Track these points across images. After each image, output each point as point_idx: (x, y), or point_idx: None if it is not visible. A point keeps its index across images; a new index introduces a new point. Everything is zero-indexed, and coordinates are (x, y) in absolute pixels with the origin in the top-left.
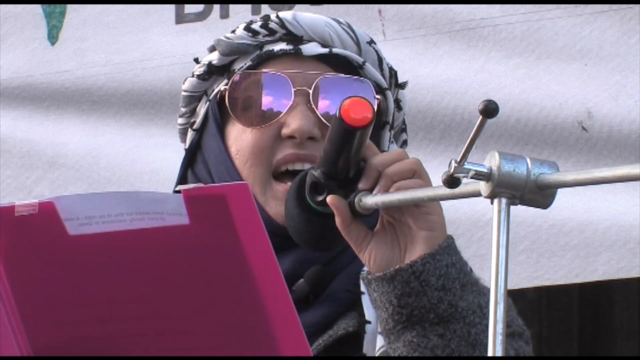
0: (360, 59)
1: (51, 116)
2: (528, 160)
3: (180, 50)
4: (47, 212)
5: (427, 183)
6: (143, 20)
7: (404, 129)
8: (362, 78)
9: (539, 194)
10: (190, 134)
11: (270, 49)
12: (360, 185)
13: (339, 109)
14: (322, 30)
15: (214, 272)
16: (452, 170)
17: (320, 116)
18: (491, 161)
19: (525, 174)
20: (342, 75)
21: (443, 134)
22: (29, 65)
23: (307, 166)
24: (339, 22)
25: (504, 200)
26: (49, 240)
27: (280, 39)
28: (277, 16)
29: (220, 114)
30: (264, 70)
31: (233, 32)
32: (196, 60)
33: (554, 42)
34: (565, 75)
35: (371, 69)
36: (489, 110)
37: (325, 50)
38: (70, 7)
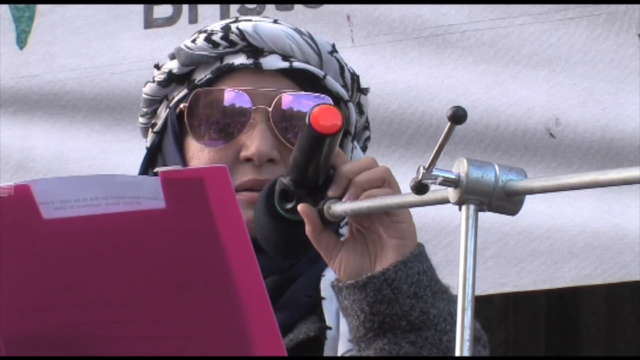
0: (321, 73)
1: (19, 120)
2: (496, 167)
3: (149, 55)
4: (22, 195)
5: (397, 191)
6: (112, 25)
7: (366, 127)
8: (321, 94)
9: (507, 201)
10: (151, 135)
11: (231, 62)
12: (330, 193)
13: (308, 116)
14: (283, 42)
15: (189, 256)
16: (420, 176)
17: (279, 136)
18: (459, 167)
19: (493, 180)
20: (303, 92)
21: (411, 140)
22: None
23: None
24: (300, 33)
25: (472, 207)
26: (24, 224)
27: (241, 51)
28: (238, 27)
29: (179, 127)
30: (223, 87)
31: (193, 41)
32: (157, 67)
33: (521, 49)
34: (533, 82)
35: (332, 81)
36: (458, 116)
37: (286, 64)
38: (39, 12)
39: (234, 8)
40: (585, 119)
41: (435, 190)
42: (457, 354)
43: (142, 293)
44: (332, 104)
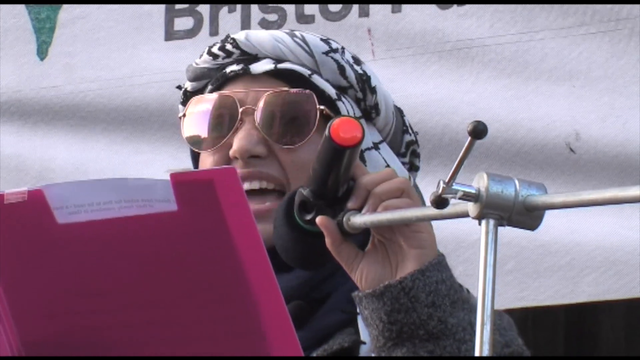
0: (306, 71)
1: (39, 132)
2: (516, 182)
3: (170, 66)
4: (36, 201)
5: (416, 202)
6: (133, 37)
7: (405, 130)
8: (304, 90)
9: (527, 216)
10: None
11: (225, 71)
12: (349, 205)
13: (329, 128)
14: (273, 46)
15: (202, 258)
16: (440, 190)
17: (262, 134)
18: (479, 182)
19: (513, 195)
20: (287, 89)
21: (431, 154)
22: (18, 80)
23: (255, 184)
24: (293, 36)
25: (491, 222)
26: (38, 229)
27: (237, 60)
28: (232, 37)
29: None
30: (211, 94)
31: (200, 56)
32: (179, 87)
33: (542, 63)
34: (553, 97)
35: (319, 80)
36: (478, 131)
37: (271, 66)
38: (60, 23)
39: (254, 21)
40: (605, 133)
41: (455, 204)
42: None
43: (158, 296)
44: (312, 101)
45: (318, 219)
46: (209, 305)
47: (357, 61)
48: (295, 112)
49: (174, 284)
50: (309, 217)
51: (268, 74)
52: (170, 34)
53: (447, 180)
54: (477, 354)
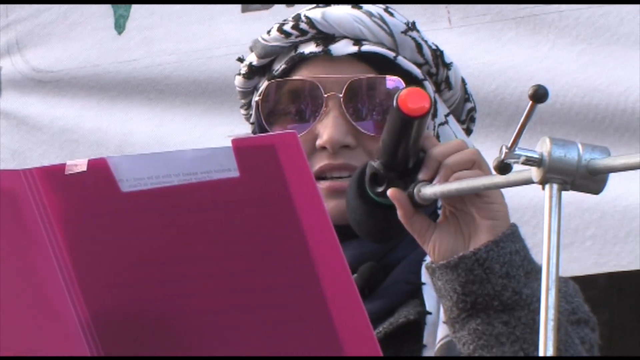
0: (391, 54)
1: (119, 105)
2: (579, 146)
3: (247, 38)
4: (98, 170)
5: (487, 173)
6: (210, 9)
7: (467, 99)
8: (392, 77)
9: (590, 179)
10: (250, 127)
11: (302, 51)
12: (420, 176)
13: (396, 99)
14: (352, 27)
15: (265, 224)
16: (502, 156)
17: (351, 121)
18: (542, 147)
19: (576, 159)
20: (372, 75)
21: (509, 121)
22: (97, 54)
23: (344, 174)
24: (371, 15)
25: (555, 186)
26: (102, 199)
27: (313, 39)
28: (306, 16)
29: (261, 120)
30: (297, 76)
31: (269, 32)
32: (240, 60)
33: (619, 28)
34: (630, 61)
35: (404, 61)
36: (539, 95)
37: (355, 49)
38: None
39: None
40: None
41: (522, 171)
42: (541, 333)
43: (222, 264)
44: (401, 86)
45: (389, 192)
46: (273, 272)
47: (413, 26)
48: (383, 99)
49: (237, 251)
50: (380, 189)
51: (349, 55)
52: (247, 6)
53: (509, 146)
54: (542, 319)
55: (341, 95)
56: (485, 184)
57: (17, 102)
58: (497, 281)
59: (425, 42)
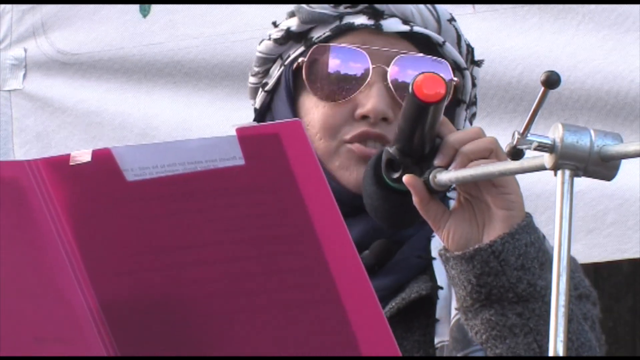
0: (440, 38)
1: (143, 88)
2: (592, 132)
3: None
4: (103, 160)
5: None
6: None
7: (474, 102)
8: (440, 59)
9: (603, 166)
10: (261, 95)
11: (351, 21)
12: (436, 162)
13: (412, 84)
14: (404, 7)
15: (271, 211)
16: (515, 142)
17: (396, 96)
18: (555, 133)
19: (588, 145)
20: (421, 54)
21: (531, 106)
22: (121, 37)
23: (378, 145)
24: None
25: (567, 172)
26: (108, 188)
27: (362, 12)
28: None
29: (294, 83)
30: (344, 44)
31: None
32: (274, 24)
33: None
34: None
35: (450, 48)
36: (551, 81)
37: (406, 27)
38: None
39: None
40: None
41: (537, 157)
42: (552, 318)
43: (229, 250)
44: (448, 71)
45: (405, 178)
46: (278, 258)
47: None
48: None
49: (243, 238)
50: (396, 175)
51: (397, 34)
52: None
53: (522, 131)
54: (553, 304)
55: (388, 69)
56: (500, 170)
57: (42, 84)
58: (512, 273)
59: (462, 35)
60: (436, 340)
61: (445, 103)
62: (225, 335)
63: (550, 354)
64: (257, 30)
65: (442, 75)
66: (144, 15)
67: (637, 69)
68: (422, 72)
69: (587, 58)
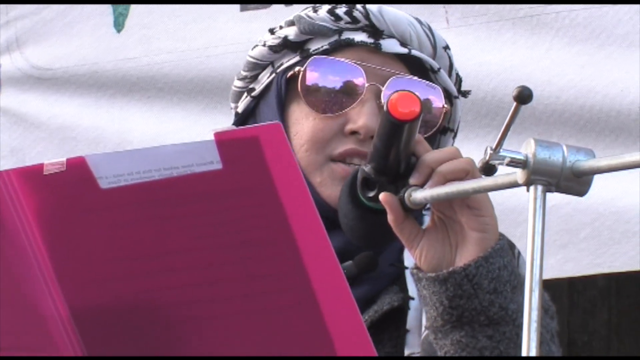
0: (436, 65)
1: (117, 103)
2: (564, 147)
3: (245, 37)
4: (77, 169)
5: None
6: (208, 8)
7: (455, 134)
8: (433, 84)
9: (575, 181)
10: (246, 99)
11: (351, 37)
12: (412, 181)
13: (386, 102)
14: (404, 29)
15: (249, 216)
16: (487, 157)
17: None
18: (527, 148)
19: (561, 161)
20: (416, 78)
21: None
22: (96, 52)
23: (363, 163)
24: (421, 23)
25: (539, 188)
26: (81, 196)
27: (361, 29)
28: (363, 7)
29: (286, 91)
30: (342, 58)
31: (315, 11)
32: (271, 31)
33: (616, 29)
34: (627, 62)
35: (444, 75)
36: (523, 96)
37: (405, 50)
38: None
39: None
40: None
41: (511, 174)
42: (525, 333)
43: (206, 256)
44: (440, 97)
45: (381, 196)
46: (258, 262)
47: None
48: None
49: (220, 244)
50: (371, 194)
51: (393, 55)
52: (246, 5)
53: (494, 147)
54: (525, 318)
55: (383, 88)
56: (473, 187)
57: (16, 99)
58: (484, 297)
59: (454, 65)
60: (406, 352)
61: (419, 122)
62: (200, 341)
63: None
64: (231, 45)
65: (417, 93)
66: (118, 30)
67: (611, 83)
68: (397, 91)
69: (561, 73)
